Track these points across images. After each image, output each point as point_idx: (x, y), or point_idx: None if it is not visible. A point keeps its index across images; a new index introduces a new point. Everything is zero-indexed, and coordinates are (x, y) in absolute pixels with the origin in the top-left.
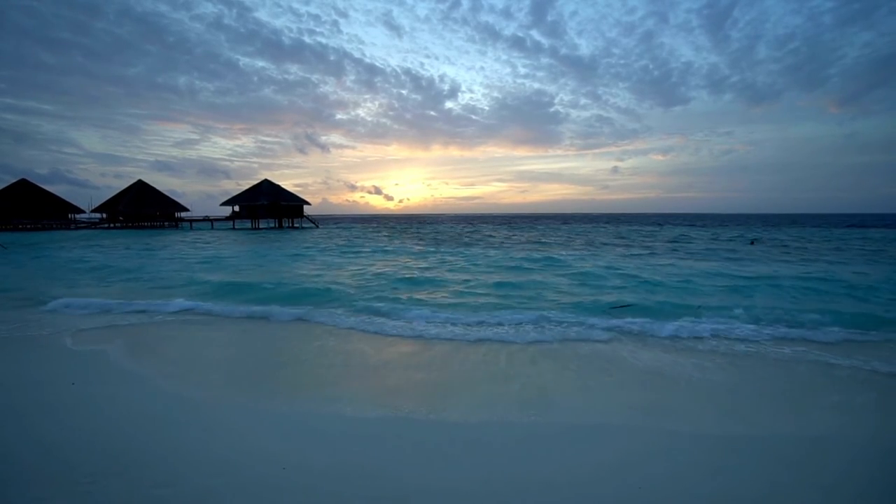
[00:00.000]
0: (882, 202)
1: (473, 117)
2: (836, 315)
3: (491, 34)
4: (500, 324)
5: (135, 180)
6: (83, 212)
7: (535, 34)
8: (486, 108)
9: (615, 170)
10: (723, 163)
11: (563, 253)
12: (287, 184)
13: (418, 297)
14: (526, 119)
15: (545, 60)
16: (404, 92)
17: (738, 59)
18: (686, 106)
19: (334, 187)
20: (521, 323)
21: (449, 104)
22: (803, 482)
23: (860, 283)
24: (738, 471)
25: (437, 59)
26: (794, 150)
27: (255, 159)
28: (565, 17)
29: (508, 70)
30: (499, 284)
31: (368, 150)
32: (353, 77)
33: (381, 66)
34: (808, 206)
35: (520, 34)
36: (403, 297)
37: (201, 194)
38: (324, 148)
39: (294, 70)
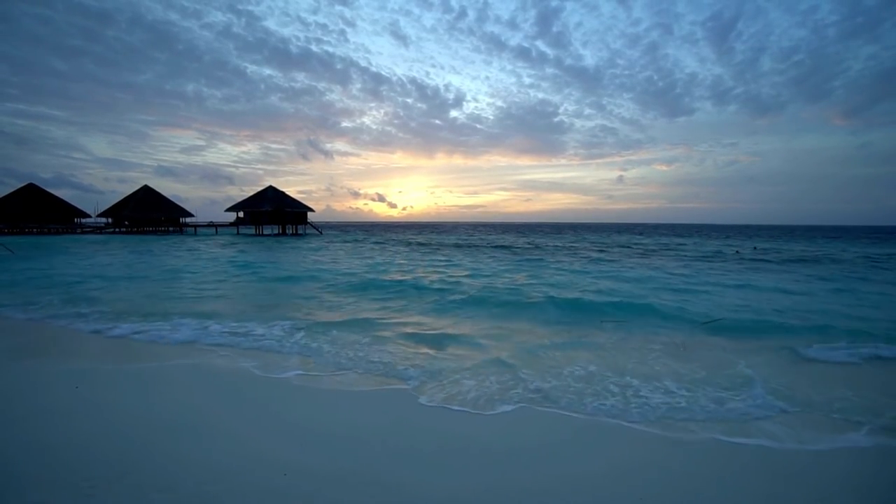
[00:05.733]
0: (890, 214)
1: (478, 126)
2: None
3: (496, 44)
4: None
5: (139, 185)
6: (89, 216)
7: (541, 44)
8: (491, 117)
9: (620, 179)
10: (727, 173)
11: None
12: (291, 190)
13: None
14: (530, 128)
15: (550, 70)
16: (409, 101)
17: (742, 71)
18: (690, 117)
19: (338, 194)
20: None
21: (454, 113)
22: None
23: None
24: (740, 480)
25: (442, 68)
26: (799, 161)
27: (260, 166)
28: (570, 28)
29: (513, 80)
30: None
31: (373, 158)
32: (359, 85)
33: (387, 75)
34: (813, 217)
35: (525, 44)
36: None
37: (205, 200)
38: (328, 155)
39: (301, 78)
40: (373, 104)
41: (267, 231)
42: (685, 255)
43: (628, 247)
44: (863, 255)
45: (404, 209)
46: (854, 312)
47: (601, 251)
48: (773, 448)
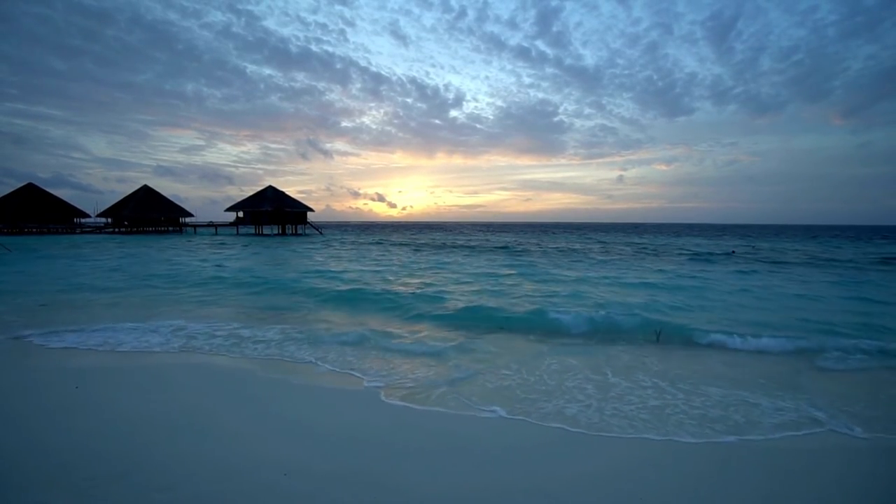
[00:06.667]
0: (890, 213)
1: (478, 126)
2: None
3: (496, 44)
4: None
5: (139, 185)
6: (89, 216)
7: (540, 44)
8: (491, 116)
9: (620, 179)
10: (727, 173)
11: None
12: (291, 190)
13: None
14: (530, 128)
15: (550, 70)
16: (409, 100)
17: (741, 71)
18: (690, 116)
19: (338, 194)
20: None
21: (454, 113)
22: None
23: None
24: (736, 480)
25: (442, 68)
26: (799, 161)
27: (259, 166)
28: (570, 27)
29: (513, 79)
30: None
31: (372, 158)
32: (358, 85)
33: (387, 75)
34: (812, 217)
35: (525, 44)
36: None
37: (205, 200)
38: (328, 155)
39: (300, 78)
40: (372, 104)
41: (267, 231)
42: (684, 255)
43: (628, 247)
44: (860, 255)
45: (404, 209)
46: (848, 319)
47: (601, 252)
48: (771, 448)
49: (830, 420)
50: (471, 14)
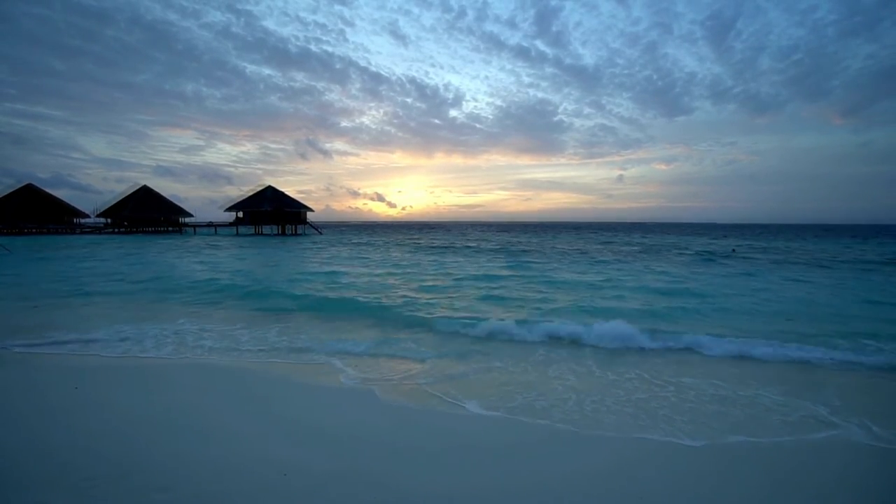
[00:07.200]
0: (887, 212)
1: (477, 126)
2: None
3: (496, 43)
4: None
5: (138, 185)
6: (88, 216)
7: (540, 44)
8: (490, 116)
9: (619, 178)
10: (726, 172)
11: None
12: (290, 190)
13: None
14: (529, 128)
15: (549, 70)
16: (409, 100)
17: (741, 70)
18: (689, 116)
19: (337, 194)
20: None
21: (453, 112)
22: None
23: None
24: (733, 477)
25: (441, 67)
26: (798, 160)
27: (259, 166)
28: (569, 27)
29: (513, 79)
30: None
31: (372, 158)
32: (358, 85)
33: (387, 75)
34: (812, 216)
35: (524, 44)
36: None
37: (204, 200)
38: (327, 155)
39: (300, 78)
40: (372, 104)
41: (266, 231)
42: (685, 255)
43: (628, 246)
44: (865, 255)
45: (403, 209)
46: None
47: (601, 252)
48: (769, 447)
49: (833, 419)
50: (470, 14)
